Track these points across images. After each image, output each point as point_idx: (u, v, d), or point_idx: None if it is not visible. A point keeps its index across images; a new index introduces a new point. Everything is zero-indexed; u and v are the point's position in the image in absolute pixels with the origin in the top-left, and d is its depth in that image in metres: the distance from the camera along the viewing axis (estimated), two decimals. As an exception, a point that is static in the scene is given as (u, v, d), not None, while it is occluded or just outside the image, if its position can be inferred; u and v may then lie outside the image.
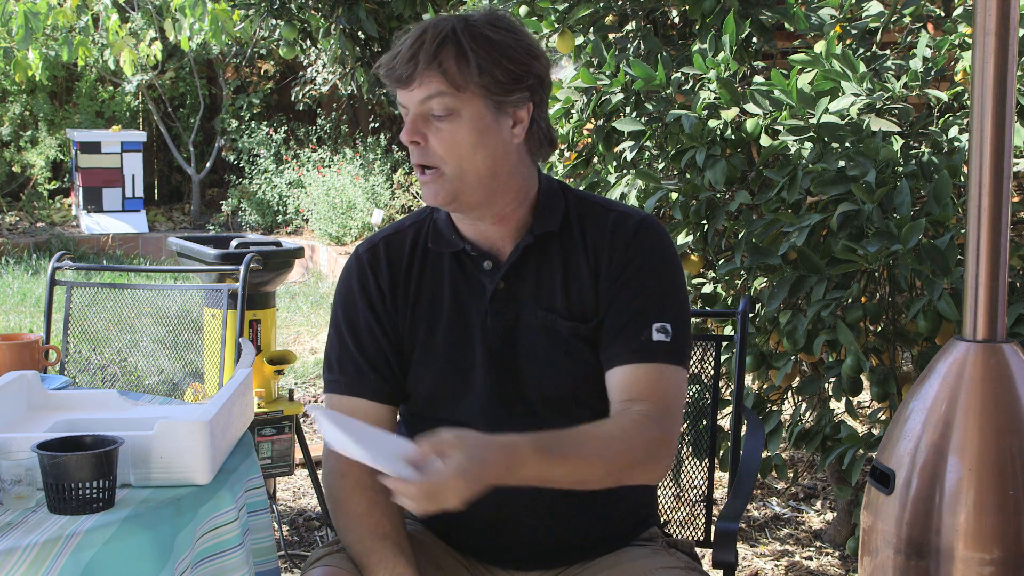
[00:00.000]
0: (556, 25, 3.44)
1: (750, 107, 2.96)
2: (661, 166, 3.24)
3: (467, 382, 1.87)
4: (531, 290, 1.86)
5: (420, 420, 1.93)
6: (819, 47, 3.05)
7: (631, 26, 3.55)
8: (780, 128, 2.90)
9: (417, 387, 1.91)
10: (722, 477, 2.85)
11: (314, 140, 10.90)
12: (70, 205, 10.63)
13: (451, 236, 1.88)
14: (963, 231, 2.11)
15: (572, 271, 1.85)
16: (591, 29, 3.50)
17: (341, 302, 1.94)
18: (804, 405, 3.21)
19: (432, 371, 1.89)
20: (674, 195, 3.03)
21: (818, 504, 4.04)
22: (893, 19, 3.22)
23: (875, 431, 3.01)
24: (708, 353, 2.43)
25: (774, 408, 3.04)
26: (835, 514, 3.77)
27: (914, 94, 2.97)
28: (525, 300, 1.85)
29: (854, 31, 3.25)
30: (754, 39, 3.32)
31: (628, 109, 3.14)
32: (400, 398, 1.92)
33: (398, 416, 1.97)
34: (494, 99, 1.75)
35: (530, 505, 1.87)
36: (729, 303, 3.12)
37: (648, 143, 3.18)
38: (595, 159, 3.36)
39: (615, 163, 3.25)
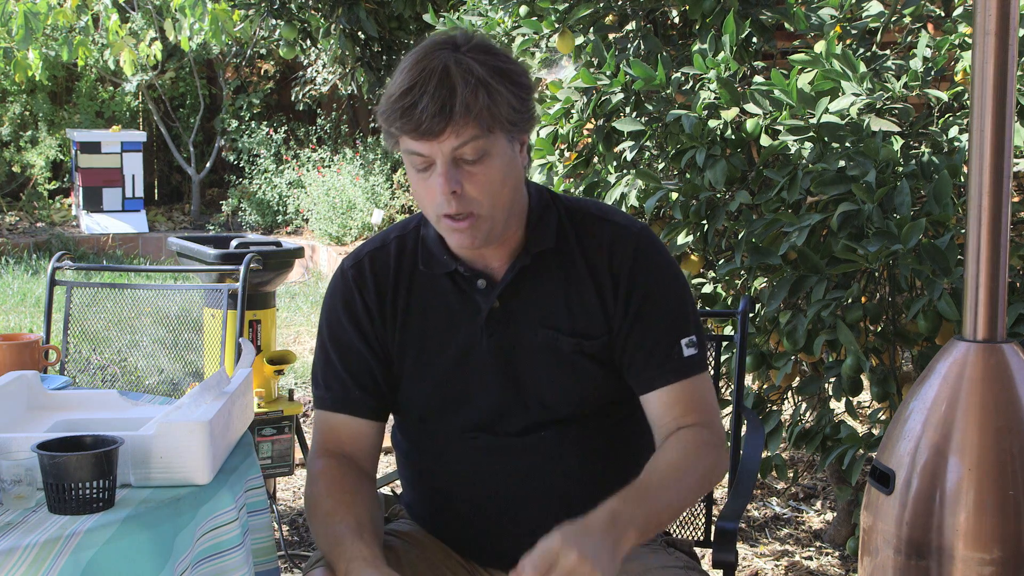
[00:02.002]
0: (556, 25, 3.44)
1: (750, 107, 2.96)
2: (661, 166, 3.24)
3: (466, 398, 1.85)
4: (531, 309, 1.83)
5: (416, 432, 1.93)
6: (819, 47, 3.05)
7: (631, 26, 3.55)
8: (780, 128, 2.90)
9: (410, 402, 1.90)
10: (722, 477, 2.85)
11: (314, 140, 10.90)
12: (70, 205, 10.63)
13: (442, 256, 1.84)
14: (963, 231, 2.11)
15: (574, 288, 1.83)
16: (591, 29, 3.49)
17: (327, 319, 1.91)
18: (804, 405, 3.21)
19: (426, 388, 1.87)
20: (674, 195, 3.03)
21: (818, 504, 4.04)
22: (893, 19, 3.22)
23: (875, 431, 3.01)
24: (708, 353, 2.43)
25: (774, 408, 3.04)
26: (835, 514, 3.77)
27: (914, 94, 2.97)
28: (524, 319, 1.83)
29: (854, 31, 3.25)
30: (754, 39, 3.32)
31: (628, 109, 3.13)
32: (388, 412, 1.92)
33: (390, 426, 1.96)
34: (514, 130, 1.74)
35: (530, 507, 1.87)
36: (729, 303, 3.12)
37: (648, 143, 3.18)
38: (595, 159, 3.36)
39: (615, 163, 3.25)
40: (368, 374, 1.87)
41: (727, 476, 2.52)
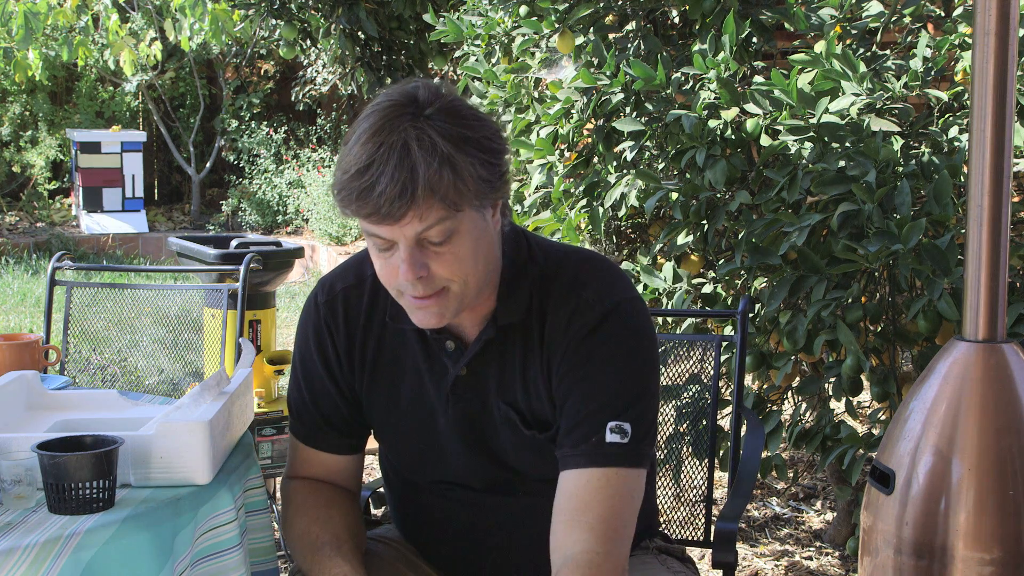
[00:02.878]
0: (556, 25, 3.44)
1: (750, 107, 2.96)
2: (661, 166, 3.24)
3: (436, 457, 1.81)
4: (494, 381, 1.74)
5: (394, 466, 1.91)
6: (819, 47, 3.05)
7: (631, 26, 3.55)
8: (780, 128, 2.90)
9: (388, 447, 1.88)
10: (722, 477, 2.85)
11: (314, 140, 10.90)
12: (70, 205, 10.63)
13: None
14: (963, 231, 2.11)
15: (530, 369, 1.72)
16: (591, 29, 3.49)
17: (299, 351, 1.86)
18: (804, 405, 3.21)
19: (396, 442, 1.85)
20: (674, 195, 3.03)
21: (818, 504, 4.04)
22: (893, 19, 3.22)
23: (875, 431, 3.02)
24: (708, 353, 2.44)
25: (774, 408, 3.03)
26: (835, 514, 3.77)
27: (914, 94, 2.97)
28: (489, 389, 1.75)
29: (854, 31, 3.25)
30: (754, 39, 3.32)
31: (628, 109, 3.13)
32: (363, 446, 1.90)
33: (366, 460, 1.95)
34: (484, 201, 1.61)
35: (508, 552, 1.84)
36: (729, 303, 3.12)
37: (648, 143, 3.18)
38: (595, 159, 3.36)
39: (615, 163, 3.25)
40: (339, 415, 1.84)
41: (727, 476, 2.52)
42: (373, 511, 2.18)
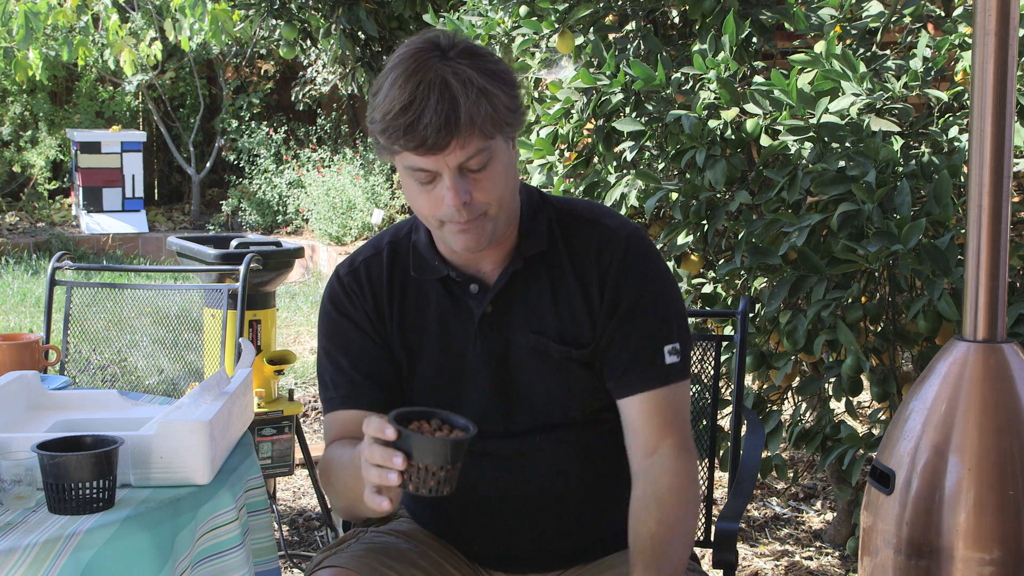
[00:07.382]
0: (556, 25, 3.44)
1: (750, 107, 2.96)
2: (661, 166, 3.24)
3: (457, 402, 1.83)
4: (520, 313, 1.83)
5: None
6: (819, 47, 3.05)
7: (631, 26, 3.55)
8: (780, 128, 2.90)
9: (416, 399, 1.88)
10: (722, 477, 2.85)
11: (314, 140, 10.90)
12: (70, 205, 10.63)
13: (434, 262, 1.83)
14: (963, 231, 2.11)
15: (561, 293, 1.82)
16: (591, 29, 3.49)
17: (326, 326, 1.90)
18: (804, 405, 3.21)
19: (420, 391, 1.86)
20: (674, 195, 3.03)
21: (818, 504, 4.04)
22: (893, 19, 3.22)
23: (875, 431, 3.02)
24: (708, 353, 2.43)
25: (774, 408, 3.03)
26: (835, 514, 3.77)
27: (914, 94, 2.97)
28: (515, 324, 1.82)
29: (854, 31, 3.25)
30: (754, 39, 3.32)
31: (628, 109, 3.13)
32: (398, 404, 1.90)
33: None
34: (510, 131, 1.74)
35: (524, 511, 1.87)
36: (729, 303, 3.12)
37: (648, 143, 3.18)
38: (595, 159, 3.36)
39: (615, 163, 3.25)
40: (374, 363, 1.85)
41: (727, 476, 2.52)
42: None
